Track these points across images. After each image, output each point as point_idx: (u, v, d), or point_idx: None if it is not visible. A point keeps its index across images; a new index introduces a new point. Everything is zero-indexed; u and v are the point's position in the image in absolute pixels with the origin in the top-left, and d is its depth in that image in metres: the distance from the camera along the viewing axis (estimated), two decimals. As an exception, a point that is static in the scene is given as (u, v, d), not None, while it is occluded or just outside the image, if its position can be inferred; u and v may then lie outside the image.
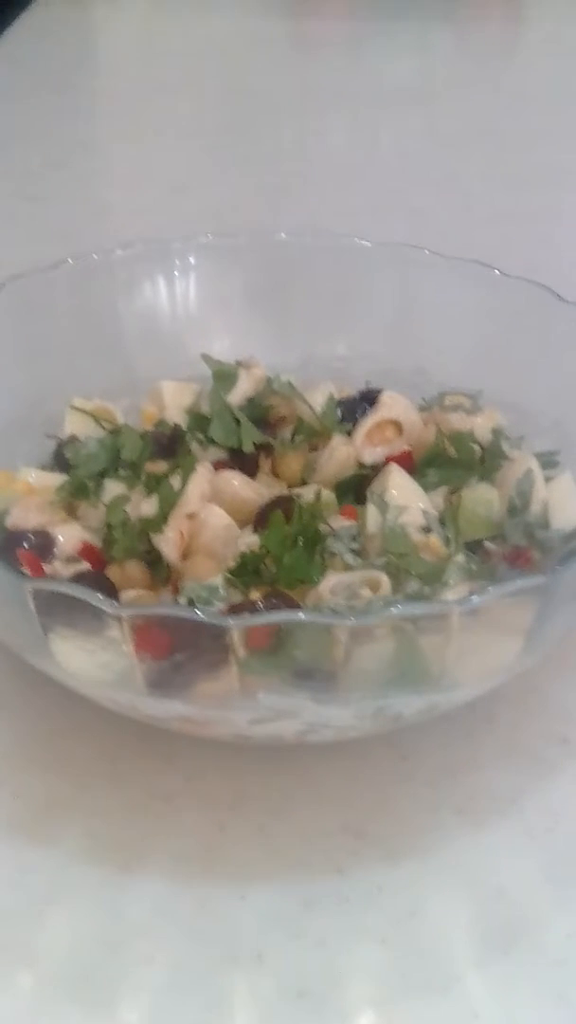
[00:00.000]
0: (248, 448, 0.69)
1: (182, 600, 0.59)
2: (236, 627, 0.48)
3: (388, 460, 0.68)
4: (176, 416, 0.73)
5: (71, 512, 0.67)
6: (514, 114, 1.46)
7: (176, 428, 0.71)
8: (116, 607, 0.49)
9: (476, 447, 0.68)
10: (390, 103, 1.49)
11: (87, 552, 0.64)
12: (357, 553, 0.62)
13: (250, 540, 0.63)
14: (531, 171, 1.28)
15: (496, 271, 0.74)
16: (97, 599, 0.49)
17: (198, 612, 0.49)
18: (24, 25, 1.70)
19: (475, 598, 0.48)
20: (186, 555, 0.63)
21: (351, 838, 0.57)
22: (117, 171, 1.35)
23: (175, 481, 0.64)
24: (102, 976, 0.52)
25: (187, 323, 0.78)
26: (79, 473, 0.68)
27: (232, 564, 0.61)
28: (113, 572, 0.63)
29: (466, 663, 0.52)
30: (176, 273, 0.78)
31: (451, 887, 0.55)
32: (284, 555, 0.60)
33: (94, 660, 0.53)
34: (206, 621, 0.48)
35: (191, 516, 0.63)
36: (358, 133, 1.43)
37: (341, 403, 0.72)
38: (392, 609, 0.49)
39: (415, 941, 0.53)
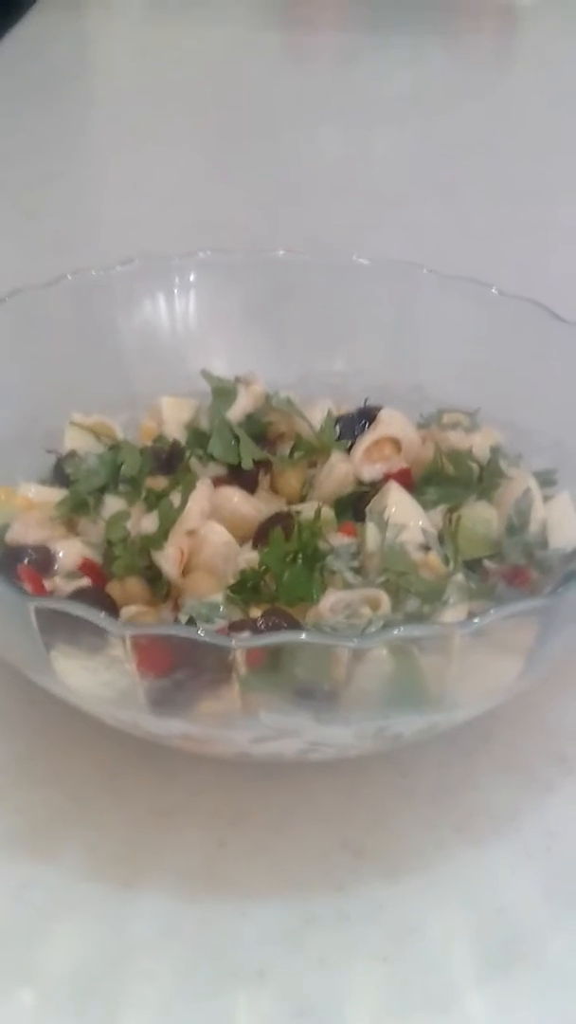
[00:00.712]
0: (247, 465, 0.70)
1: (183, 617, 0.59)
2: (238, 647, 0.48)
3: (387, 477, 0.69)
4: (175, 432, 0.73)
5: (71, 527, 0.68)
6: (509, 127, 1.46)
7: (175, 444, 0.71)
8: (119, 626, 0.49)
9: (474, 465, 0.68)
10: (385, 115, 1.49)
11: (87, 568, 0.64)
12: (357, 571, 0.62)
13: (250, 557, 0.63)
14: (527, 185, 1.29)
15: (493, 290, 0.75)
16: (100, 618, 0.49)
17: (200, 632, 0.49)
18: (18, 35, 1.70)
19: (478, 620, 0.48)
20: (186, 571, 0.63)
21: (351, 855, 0.57)
22: (112, 182, 1.35)
23: (175, 498, 0.65)
24: (104, 993, 0.52)
25: (186, 339, 0.78)
26: (79, 488, 0.68)
27: (232, 581, 0.61)
28: (113, 588, 0.63)
29: (467, 683, 0.52)
30: (175, 289, 0.79)
31: (451, 905, 0.56)
32: (284, 572, 0.61)
33: (96, 678, 0.53)
34: (209, 641, 0.48)
35: (191, 533, 0.64)
36: (353, 145, 1.44)
37: (339, 420, 0.72)
38: (395, 631, 0.49)
39: (415, 959, 0.53)
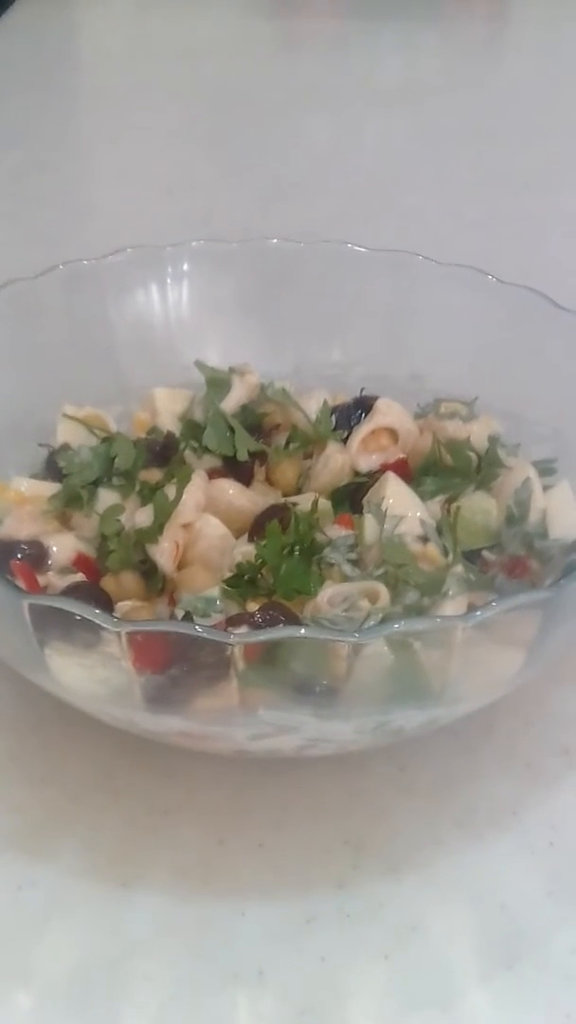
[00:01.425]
0: (243, 456, 0.69)
1: (179, 612, 0.58)
2: (237, 643, 0.47)
3: (383, 468, 0.68)
4: (169, 423, 0.72)
5: (64, 522, 0.67)
6: (503, 113, 1.45)
7: (169, 436, 0.71)
8: (115, 623, 0.48)
9: (472, 455, 0.68)
10: (377, 103, 1.48)
11: (81, 563, 0.63)
12: (355, 563, 0.61)
13: (245, 550, 0.62)
14: (520, 172, 1.28)
15: (492, 277, 0.74)
16: (96, 615, 0.48)
17: (198, 628, 0.48)
18: (7, 24, 1.69)
19: (480, 613, 0.47)
20: (181, 565, 0.63)
21: (351, 852, 0.57)
22: (102, 172, 1.34)
23: (170, 490, 0.64)
24: (102, 994, 0.51)
25: (179, 329, 0.78)
26: (72, 482, 0.67)
27: (228, 574, 0.60)
28: (108, 583, 0.62)
29: (469, 677, 0.51)
30: (168, 279, 0.78)
31: (453, 901, 0.55)
32: (281, 565, 0.60)
33: (91, 675, 0.52)
34: (207, 637, 0.48)
35: (187, 526, 0.63)
36: (346, 133, 1.42)
37: (335, 410, 0.71)
38: (396, 625, 0.49)
39: (417, 956, 0.53)
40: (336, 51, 1.67)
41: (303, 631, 0.48)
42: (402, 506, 0.63)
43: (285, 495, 0.68)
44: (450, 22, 1.81)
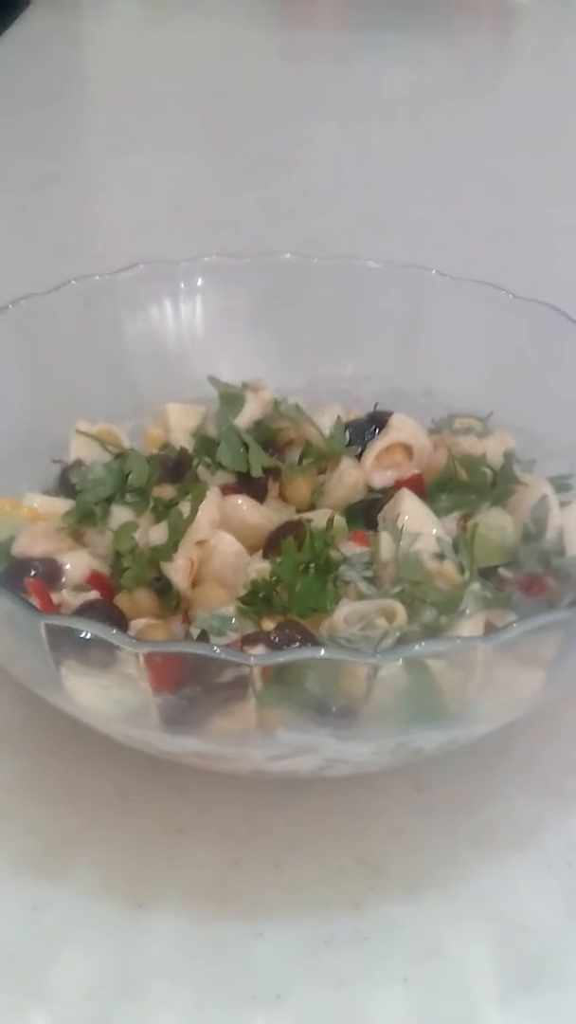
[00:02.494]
0: (256, 472, 0.68)
1: (194, 630, 0.58)
2: (257, 665, 0.47)
3: (398, 484, 0.67)
4: (182, 439, 0.72)
5: (77, 539, 0.66)
6: (509, 125, 1.45)
7: (183, 452, 0.70)
8: (134, 644, 0.48)
9: (488, 471, 0.67)
10: (383, 115, 1.48)
11: (96, 580, 0.63)
12: (371, 581, 0.61)
13: (260, 567, 0.62)
14: (528, 183, 1.28)
15: (506, 292, 0.74)
16: (113, 635, 0.48)
17: (217, 650, 0.48)
18: (13, 36, 1.69)
19: (502, 634, 0.47)
20: (195, 582, 0.62)
21: (368, 872, 0.56)
22: (110, 185, 1.34)
23: (184, 507, 0.63)
24: (119, 1017, 0.51)
25: (192, 344, 0.77)
26: (85, 498, 0.67)
27: (243, 591, 0.60)
28: (122, 601, 0.62)
29: (489, 697, 0.51)
30: (181, 294, 0.77)
31: (471, 922, 0.54)
32: (296, 583, 0.60)
33: (107, 695, 0.52)
34: (226, 659, 0.47)
35: (201, 543, 0.62)
36: (352, 145, 1.42)
37: (349, 426, 0.71)
38: (417, 646, 0.48)
39: (436, 979, 0.52)
40: (342, 63, 1.67)
41: (323, 652, 0.48)
42: (418, 523, 0.63)
43: (299, 511, 0.68)
44: (455, 34, 1.81)
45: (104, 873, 0.56)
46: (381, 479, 0.68)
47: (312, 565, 0.60)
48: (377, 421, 0.71)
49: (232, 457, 0.69)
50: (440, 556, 0.62)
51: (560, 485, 0.66)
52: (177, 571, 0.61)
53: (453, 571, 0.61)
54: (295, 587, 0.59)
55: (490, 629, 0.58)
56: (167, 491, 0.67)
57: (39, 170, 1.31)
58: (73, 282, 0.74)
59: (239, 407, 0.71)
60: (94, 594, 0.62)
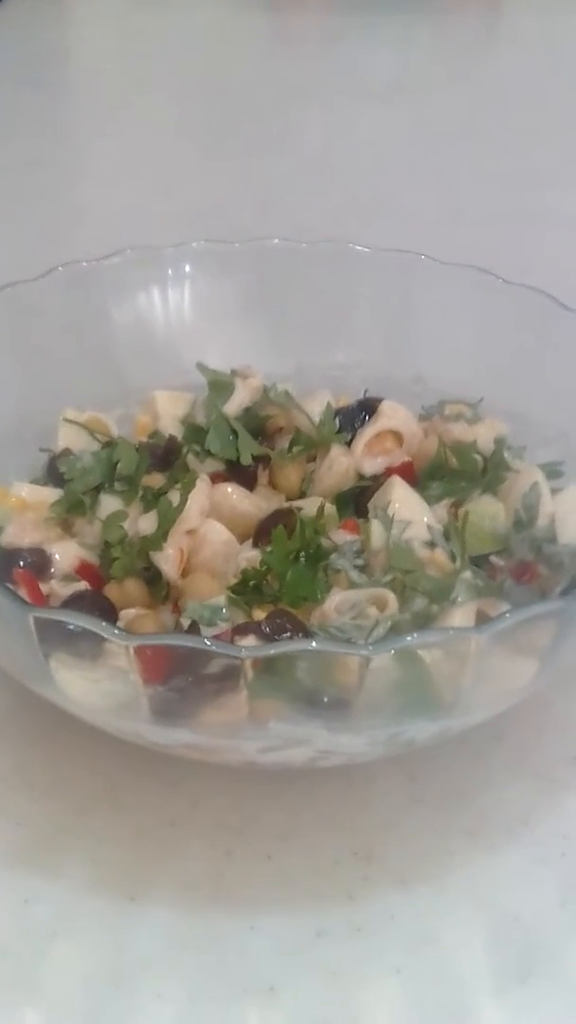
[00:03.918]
0: (246, 460, 0.68)
1: (184, 620, 0.58)
2: (248, 657, 0.46)
3: (388, 471, 0.67)
4: (170, 426, 0.71)
5: (66, 529, 0.66)
6: (497, 108, 1.45)
7: (171, 440, 0.70)
8: (125, 637, 0.47)
9: (479, 458, 0.67)
10: (373, 98, 1.47)
11: (84, 570, 0.62)
12: (361, 569, 0.60)
13: (250, 555, 0.61)
14: (518, 167, 1.27)
15: (496, 277, 0.73)
16: (104, 628, 0.47)
17: (208, 642, 0.47)
18: (-1, 19, 1.69)
19: (495, 625, 0.47)
20: (185, 572, 0.62)
21: (361, 863, 0.56)
22: (96, 169, 1.33)
23: (174, 496, 0.63)
24: (112, 1010, 0.50)
25: (180, 331, 0.77)
26: (74, 488, 0.66)
27: (233, 580, 0.60)
28: (112, 591, 0.61)
29: (481, 687, 0.50)
30: (169, 280, 0.77)
31: (465, 913, 0.54)
32: (287, 572, 0.59)
33: (97, 688, 0.52)
34: (218, 651, 0.47)
35: (191, 532, 0.62)
36: (341, 129, 1.42)
37: (339, 412, 0.71)
38: (410, 637, 0.48)
39: (430, 969, 0.52)
40: (331, 46, 1.67)
41: (314, 644, 0.47)
42: (409, 511, 0.62)
43: (289, 499, 0.67)
44: (445, 17, 1.80)
45: (96, 866, 0.56)
46: (371, 466, 0.68)
47: (303, 554, 0.60)
48: (367, 408, 0.70)
49: (221, 445, 0.68)
50: (431, 544, 0.61)
51: (551, 472, 0.66)
52: (167, 560, 0.61)
53: (444, 559, 0.60)
54: (286, 576, 0.59)
55: (482, 617, 0.57)
56: (156, 480, 0.66)
57: (25, 154, 1.30)
58: (60, 268, 0.74)
59: (228, 394, 0.70)
60: (83, 584, 0.61)
